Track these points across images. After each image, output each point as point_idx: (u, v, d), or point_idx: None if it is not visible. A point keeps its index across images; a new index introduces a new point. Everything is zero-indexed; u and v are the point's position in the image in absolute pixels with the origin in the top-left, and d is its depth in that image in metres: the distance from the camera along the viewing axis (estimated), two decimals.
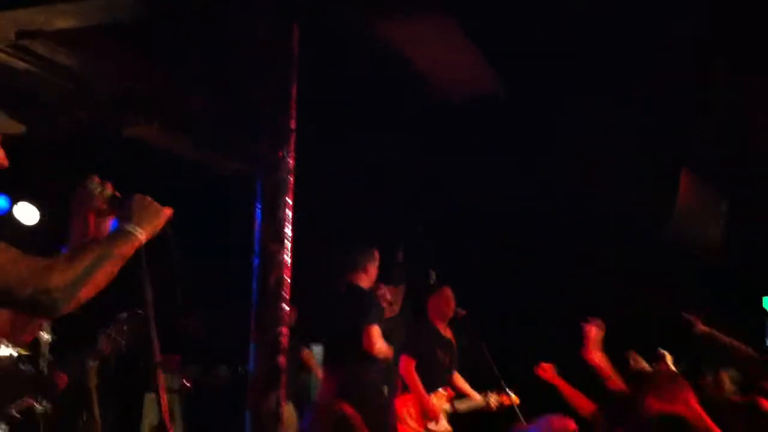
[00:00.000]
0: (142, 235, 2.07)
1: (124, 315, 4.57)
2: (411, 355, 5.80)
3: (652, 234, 6.88)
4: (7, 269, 1.83)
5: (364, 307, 5.27)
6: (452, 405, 5.97)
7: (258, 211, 3.69)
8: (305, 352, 7.42)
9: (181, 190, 4.59)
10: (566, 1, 5.06)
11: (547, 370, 4.74)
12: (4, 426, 4.45)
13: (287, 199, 3.67)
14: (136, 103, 5.69)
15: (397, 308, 6.01)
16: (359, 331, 5.15)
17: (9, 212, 6.23)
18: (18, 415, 4.56)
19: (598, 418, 3.20)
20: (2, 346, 4.56)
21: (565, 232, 7.19)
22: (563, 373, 4.74)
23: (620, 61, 5.67)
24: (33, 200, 6.26)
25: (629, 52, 5.54)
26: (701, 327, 4.66)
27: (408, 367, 5.70)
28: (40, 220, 6.32)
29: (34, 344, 4.76)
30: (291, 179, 3.71)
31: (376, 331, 5.17)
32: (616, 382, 4.06)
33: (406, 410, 5.76)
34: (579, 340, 4.50)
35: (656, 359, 4.36)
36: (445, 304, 6.03)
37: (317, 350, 7.85)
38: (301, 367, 7.33)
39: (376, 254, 5.61)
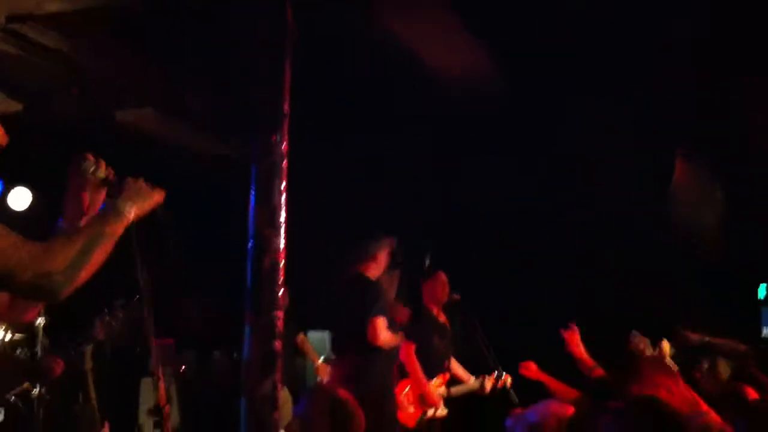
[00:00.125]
0: (130, 213, 2.09)
1: (121, 301, 4.58)
2: (410, 340, 5.80)
3: (652, 234, 6.89)
4: (8, 254, 1.84)
5: (370, 298, 5.26)
6: (447, 389, 5.97)
7: (252, 196, 3.68)
8: (300, 336, 7.42)
9: (175, 175, 4.59)
10: (566, 1, 5.07)
11: (530, 368, 4.94)
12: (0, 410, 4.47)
13: (281, 183, 3.66)
14: (128, 87, 5.68)
15: (392, 294, 6.00)
16: (365, 322, 5.14)
17: (2, 196, 6.25)
18: (14, 399, 4.58)
19: (583, 404, 3.22)
20: None
21: (565, 232, 7.19)
22: (563, 373, 4.77)
23: (620, 61, 5.67)
24: (25, 184, 6.26)
25: (629, 52, 5.54)
26: (693, 337, 4.78)
27: (408, 352, 5.69)
28: (33, 204, 6.32)
29: (29, 328, 4.78)
30: (285, 164, 3.69)
31: (381, 323, 5.18)
32: (599, 371, 4.20)
33: (404, 396, 5.76)
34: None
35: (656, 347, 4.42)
36: (440, 288, 6.03)
37: (312, 335, 7.87)
38: (296, 351, 7.33)
39: (387, 243, 5.60)
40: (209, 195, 6.92)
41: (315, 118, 5.34)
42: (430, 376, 5.83)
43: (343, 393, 3.11)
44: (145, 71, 5.49)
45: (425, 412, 5.78)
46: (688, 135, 6.58)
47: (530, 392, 4.83)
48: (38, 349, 4.90)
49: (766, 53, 5.47)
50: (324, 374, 7.34)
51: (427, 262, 6.15)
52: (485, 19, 5.29)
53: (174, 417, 6.32)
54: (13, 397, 4.60)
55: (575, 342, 4.50)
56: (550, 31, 5.35)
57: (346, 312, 5.39)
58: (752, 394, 3.50)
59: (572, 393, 4.28)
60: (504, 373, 5.85)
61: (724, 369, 4.56)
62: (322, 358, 7.62)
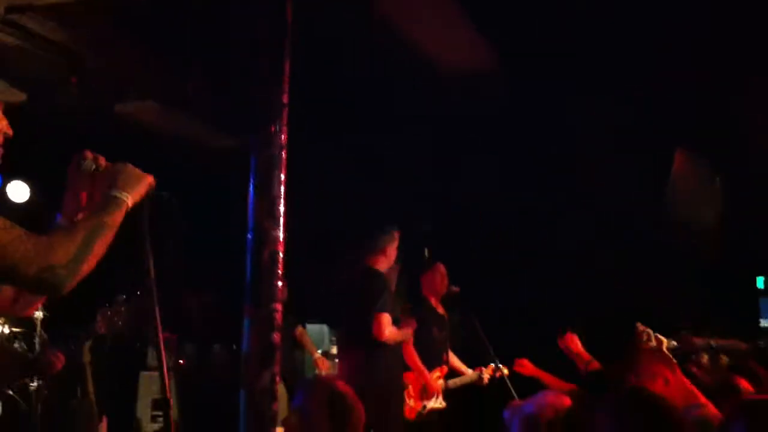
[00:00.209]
0: (128, 200, 2.08)
1: (123, 296, 4.58)
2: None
3: (652, 233, 6.89)
4: (12, 247, 1.84)
5: (375, 293, 5.23)
6: (445, 382, 5.97)
7: (251, 186, 3.68)
8: (299, 329, 7.39)
9: (174, 167, 4.58)
10: (567, 1, 5.08)
11: (525, 365, 4.97)
12: None
13: (280, 174, 3.66)
14: (128, 79, 5.67)
15: (392, 287, 5.99)
16: (370, 317, 5.14)
17: (1, 188, 6.24)
18: (12, 393, 4.58)
19: (578, 397, 3.21)
20: None
21: (565, 232, 7.19)
22: (563, 373, 4.77)
23: (620, 61, 5.68)
24: (24, 177, 6.26)
25: (629, 52, 5.55)
26: (698, 342, 4.78)
27: (407, 344, 5.68)
28: (32, 196, 6.32)
29: (28, 321, 4.78)
30: (284, 155, 3.69)
31: (385, 319, 5.16)
32: (595, 365, 4.19)
33: (405, 391, 5.76)
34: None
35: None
36: (439, 279, 6.02)
37: (311, 328, 7.86)
38: (294, 344, 7.32)
39: (397, 236, 5.58)
40: (209, 187, 6.92)
41: (315, 115, 5.35)
42: (429, 367, 5.82)
43: (341, 386, 3.08)
44: (144, 63, 5.49)
45: (425, 405, 5.78)
46: (688, 135, 6.59)
47: (528, 384, 4.83)
48: (36, 341, 4.92)
49: (766, 53, 5.48)
50: (322, 367, 7.34)
51: (426, 254, 6.14)
52: (485, 20, 5.31)
53: (173, 410, 6.30)
54: (11, 391, 4.61)
55: (571, 338, 4.48)
56: (550, 31, 5.36)
57: (353, 304, 5.36)
58: (746, 386, 3.49)
59: (568, 387, 4.27)
60: (501, 365, 5.85)
61: (723, 362, 4.57)
62: (320, 351, 7.62)
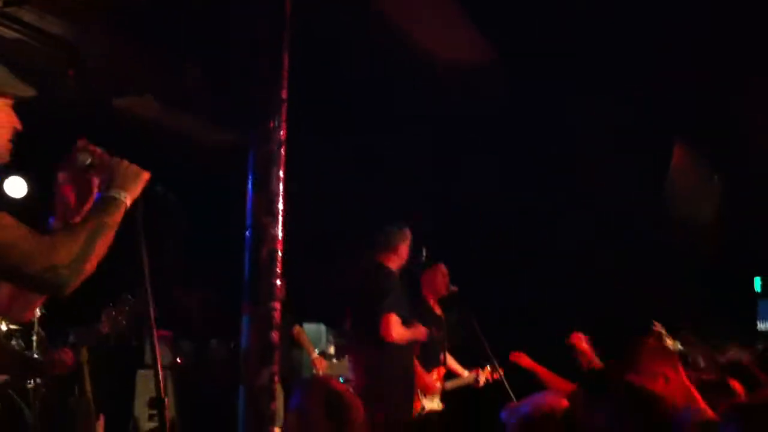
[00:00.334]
0: (127, 199, 2.08)
1: (129, 296, 4.57)
2: None
3: (652, 234, 6.89)
4: (17, 246, 1.84)
5: (384, 293, 5.21)
6: (443, 383, 5.95)
7: (250, 183, 3.67)
8: (296, 328, 7.35)
9: (173, 163, 4.57)
10: (567, 2, 5.08)
11: (521, 357, 4.96)
12: None
13: (279, 170, 3.65)
14: (126, 74, 5.67)
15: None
16: (378, 317, 5.11)
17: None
18: (10, 391, 4.57)
19: (577, 396, 3.20)
20: None
21: (565, 232, 7.18)
22: (563, 373, 4.77)
23: (620, 61, 5.68)
24: (21, 172, 6.24)
25: (629, 52, 5.55)
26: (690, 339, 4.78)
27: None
28: (28, 193, 6.30)
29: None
30: (283, 151, 3.68)
31: (393, 319, 5.13)
32: (596, 363, 4.18)
33: None
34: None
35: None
36: (440, 279, 5.98)
37: (308, 327, 7.84)
38: (292, 344, 7.31)
39: (409, 234, 5.55)
40: (207, 183, 6.91)
41: (315, 115, 5.35)
42: (426, 368, 5.81)
43: (337, 384, 3.10)
44: (143, 57, 5.49)
45: (423, 407, 5.77)
46: (688, 135, 6.59)
47: (525, 385, 4.82)
48: (33, 339, 4.91)
49: (766, 53, 5.48)
50: (320, 367, 7.33)
51: (424, 254, 6.12)
52: (485, 19, 5.31)
53: (170, 408, 6.32)
54: (9, 390, 4.61)
55: (578, 336, 4.46)
56: (550, 31, 5.36)
57: (364, 302, 5.33)
58: (739, 388, 3.47)
59: (564, 384, 4.27)
60: (498, 366, 5.83)
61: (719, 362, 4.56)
62: (317, 350, 7.60)
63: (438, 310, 6.08)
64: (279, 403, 4.01)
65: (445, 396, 5.96)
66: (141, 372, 6.50)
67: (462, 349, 6.28)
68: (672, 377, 3.12)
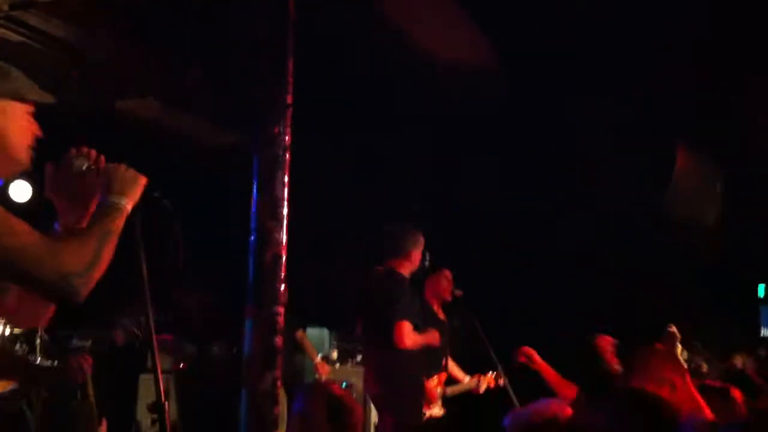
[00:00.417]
0: (128, 205, 2.08)
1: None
2: None
3: (652, 234, 6.89)
4: (31, 252, 1.85)
5: (396, 299, 5.17)
6: (444, 389, 5.94)
7: (254, 187, 3.67)
8: (299, 333, 7.33)
9: (176, 166, 4.58)
10: (567, 2, 5.08)
11: (531, 355, 4.77)
12: None
13: (284, 175, 3.64)
14: (130, 76, 5.66)
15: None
16: (391, 323, 5.09)
17: (3, 189, 6.22)
18: (11, 396, 4.58)
19: (579, 400, 3.20)
20: None
21: (565, 232, 7.19)
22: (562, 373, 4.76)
23: (620, 61, 5.68)
24: (25, 177, 6.20)
25: (629, 52, 5.55)
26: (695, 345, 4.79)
27: None
28: (33, 197, 6.29)
29: None
30: (287, 156, 3.68)
31: (406, 327, 5.09)
32: (616, 368, 4.14)
33: None
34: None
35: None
36: (444, 284, 5.94)
37: (311, 332, 7.83)
38: (296, 348, 7.30)
39: (422, 240, 5.50)
40: (209, 186, 6.91)
41: (315, 115, 5.35)
42: (428, 372, 5.81)
43: (338, 389, 3.13)
44: (147, 60, 5.49)
45: (424, 412, 5.76)
46: (688, 135, 6.59)
47: (529, 392, 4.81)
48: (37, 344, 4.91)
49: (766, 53, 5.48)
50: (322, 372, 7.32)
51: (428, 258, 6.10)
52: (486, 19, 5.31)
53: (172, 412, 6.31)
54: (11, 393, 4.62)
55: (604, 339, 4.33)
56: (550, 31, 5.36)
57: (375, 308, 5.31)
58: (738, 396, 3.47)
59: (569, 388, 4.23)
60: (501, 372, 5.82)
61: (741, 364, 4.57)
62: (320, 355, 7.60)
63: (441, 315, 6.07)
64: (282, 408, 4.02)
65: (446, 401, 5.94)
66: (143, 376, 6.50)
67: (464, 354, 6.27)
68: (679, 385, 3.11)
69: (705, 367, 4.46)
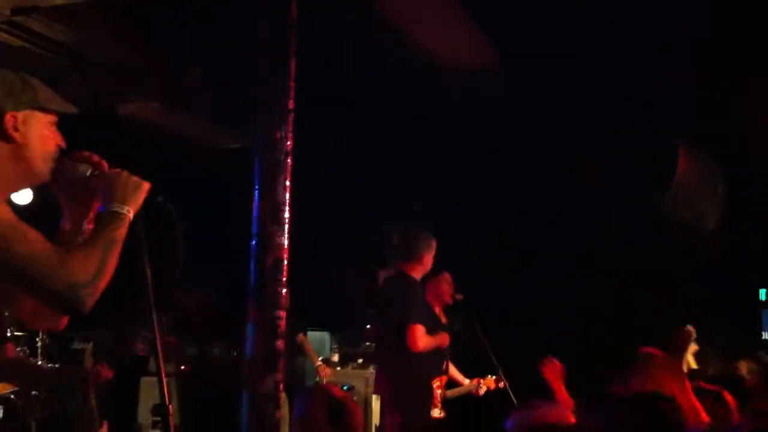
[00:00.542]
0: (130, 213, 2.08)
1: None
2: None
3: (652, 234, 6.89)
4: (41, 261, 1.86)
5: (409, 303, 5.19)
6: (444, 392, 5.94)
7: (256, 192, 3.66)
8: (300, 336, 7.34)
9: (177, 170, 4.56)
10: (567, 2, 5.08)
11: (555, 368, 4.42)
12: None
13: (285, 179, 3.64)
14: (132, 80, 5.66)
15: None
16: (404, 327, 5.10)
17: None
18: (12, 397, 4.58)
19: (580, 405, 3.20)
20: None
21: (565, 232, 7.18)
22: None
23: (620, 61, 5.68)
24: None
25: (629, 52, 5.55)
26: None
27: None
28: (34, 200, 6.29)
29: None
30: (289, 161, 3.67)
31: (419, 330, 5.11)
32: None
33: None
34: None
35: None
36: (445, 288, 5.93)
37: (312, 335, 7.84)
38: (298, 351, 7.30)
39: (434, 243, 5.49)
40: (209, 186, 6.91)
41: (315, 116, 5.34)
42: (430, 374, 5.80)
43: (339, 392, 3.15)
44: (148, 63, 5.49)
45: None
46: (688, 135, 6.58)
47: (529, 395, 4.80)
48: (38, 346, 4.92)
49: (766, 53, 5.48)
50: (323, 375, 7.32)
51: None
52: (486, 19, 5.31)
53: (174, 415, 6.28)
54: (12, 395, 4.62)
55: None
56: (550, 31, 5.35)
57: (388, 312, 5.33)
58: (731, 400, 3.47)
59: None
60: (501, 375, 5.81)
61: (745, 370, 4.56)
62: (321, 358, 7.60)
63: (443, 318, 6.07)
64: (283, 411, 4.03)
65: (446, 404, 5.94)
66: (144, 379, 6.50)
67: (464, 357, 6.27)
68: (677, 392, 3.12)
69: (710, 370, 4.47)
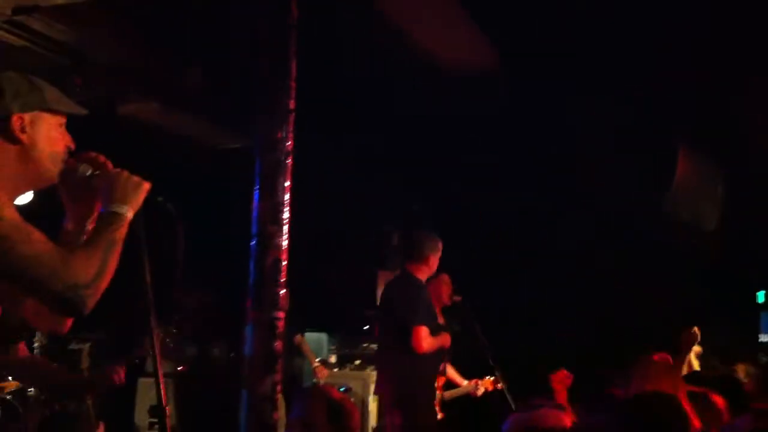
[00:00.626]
0: (130, 213, 2.08)
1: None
2: None
3: (652, 234, 6.89)
4: (44, 261, 1.86)
5: (414, 304, 5.20)
6: (442, 393, 5.94)
7: (256, 192, 3.66)
8: (298, 337, 7.34)
9: (177, 169, 4.55)
10: (567, 2, 5.08)
11: (563, 377, 4.24)
12: None
13: (285, 180, 3.63)
14: (133, 80, 5.66)
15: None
16: (409, 328, 5.11)
17: None
18: (9, 398, 4.57)
19: (580, 408, 3.20)
20: None
21: (565, 232, 7.19)
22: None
23: (620, 61, 5.67)
24: None
25: (629, 52, 5.55)
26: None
27: None
28: (33, 200, 6.27)
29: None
30: (290, 161, 3.67)
31: (424, 332, 5.13)
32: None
33: None
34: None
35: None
36: (444, 289, 5.94)
37: (310, 336, 7.83)
38: (297, 352, 7.30)
39: (440, 245, 5.50)
40: (209, 186, 6.91)
41: (315, 116, 5.34)
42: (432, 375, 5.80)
43: (337, 393, 3.16)
44: (149, 63, 5.49)
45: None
46: (688, 135, 6.58)
47: (527, 396, 4.80)
48: (35, 346, 4.91)
49: (766, 53, 5.47)
50: (321, 375, 7.31)
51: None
52: (486, 19, 5.31)
53: (171, 415, 6.26)
54: (8, 396, 4.61)
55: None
56: (550, 31, 5.35)
57: (392, 313, 5.34)
58: (720, 402, 3.47)
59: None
60: (499, 376, 5.81)
61: (744, 374, 4.55)
62: (318, 359, 7.59)
63: (441, 320, 6.06)
64: (280, 412, 4.02)
65: (445, 406, 5.94)
66: (142, 380, 6.50)
67: (463, 358, 6.27)
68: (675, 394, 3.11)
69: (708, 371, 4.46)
